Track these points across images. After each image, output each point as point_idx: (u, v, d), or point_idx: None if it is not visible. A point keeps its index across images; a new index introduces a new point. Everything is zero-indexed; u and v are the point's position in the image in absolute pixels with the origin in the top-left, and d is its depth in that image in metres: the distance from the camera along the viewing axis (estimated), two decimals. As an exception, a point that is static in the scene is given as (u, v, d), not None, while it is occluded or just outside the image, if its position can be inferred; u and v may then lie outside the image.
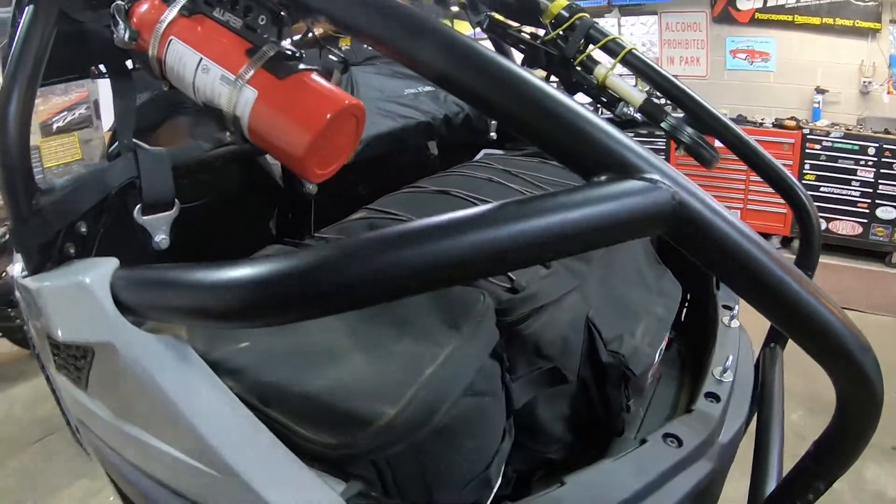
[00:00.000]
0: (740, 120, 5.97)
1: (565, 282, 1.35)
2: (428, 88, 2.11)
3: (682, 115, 1.95)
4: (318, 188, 1.46)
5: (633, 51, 2.00)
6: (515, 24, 2.26)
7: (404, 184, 1.80)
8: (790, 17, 5.82)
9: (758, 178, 5.21)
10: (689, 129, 1.90)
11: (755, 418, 1.49)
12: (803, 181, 5.52)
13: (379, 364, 0.99)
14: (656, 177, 0.64)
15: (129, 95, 1.29)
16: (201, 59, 1.01)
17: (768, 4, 5.90)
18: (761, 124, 5.88)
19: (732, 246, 0.65)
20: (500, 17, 2.28)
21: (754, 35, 6.07)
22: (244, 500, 0.87)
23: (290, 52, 1.01)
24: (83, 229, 1.18)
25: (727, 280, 0.74)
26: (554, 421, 1.30)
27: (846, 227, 5.55)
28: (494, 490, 1.06)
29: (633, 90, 2.04)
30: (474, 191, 1.62)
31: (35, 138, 8.85)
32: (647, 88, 2.10)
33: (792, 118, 5.74)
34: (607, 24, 6.67)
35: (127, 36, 1.07)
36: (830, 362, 0.76)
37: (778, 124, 5.78)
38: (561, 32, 2.13)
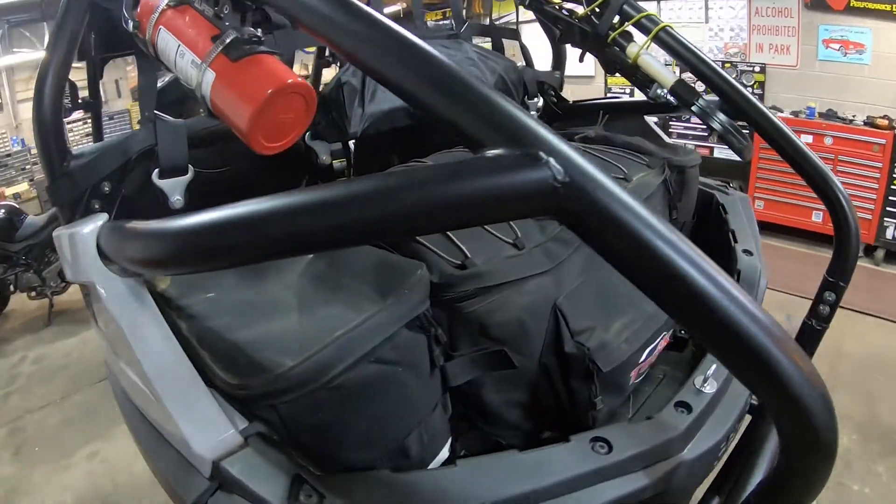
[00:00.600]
0: (830, 115, 5.80)
1: (534, 265, 1.34)
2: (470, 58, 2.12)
3: (717, 99, 1.94)
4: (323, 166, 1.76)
5: (668, 28, 1.97)
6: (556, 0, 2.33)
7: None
8: (888, 7, 5.51)
9: (843, 180, 5.00)
10: (722, 116, 1.88)
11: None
12: (892, 186, 5.37)
13: (304, 322, 1.10)
14: (542, 153, 0.61)
15: (150, 72, 1.47)
16: (179, 45, 1.17)
17: (866, -8, 5.63)
18: (852, 121, 5.68)
19: (630, 235, 0.61)
20: None
21: (849, 24, 5.80)
22: (165, 420, 1.07)
23: (248, 37, 1.11)
24: (106, 189, 1.49)
25: (627, 275, 0.66)
26: (507, 406, 1.34)
27: (935, 239, 5.34)
28: (416, 460, 1.15)
29: (664, 70, 2.01)
30: None
31: (126, 102, 9.17)
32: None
33: (885, 117, 5.52)
34: (692, 5, 6.51)
35: (131, 25, 1.26)
36: (758, 386, 0.64)
37: (869, 122, 5.56)
38: (597, 9, 2.13)
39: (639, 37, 2.07)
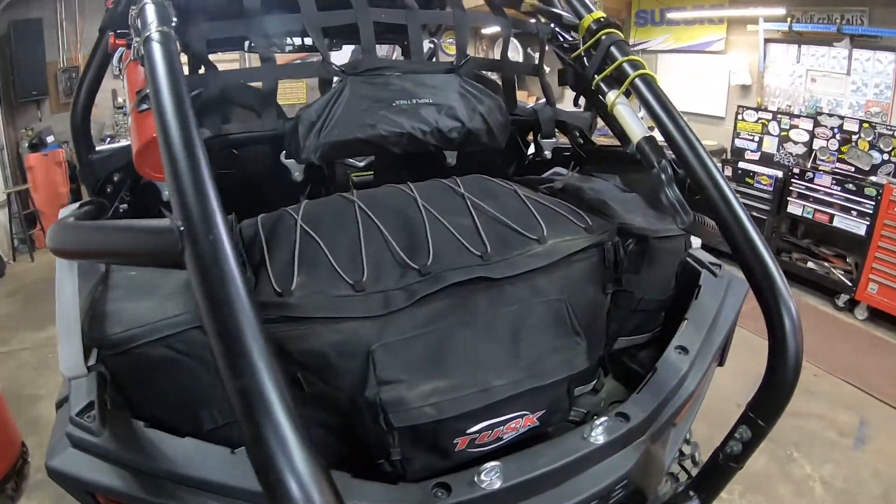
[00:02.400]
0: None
1: (356, 309, 1.43)
2: (426, 100, 2.10)
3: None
4: (308, 180, 2.08)
5: (646, 76, 1.86)
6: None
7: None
8: None
9: None
10: (674, 190, 1.71)
11: None
12: None
13: (148, 306, 1.39)
14: (177, 224, 1.06)
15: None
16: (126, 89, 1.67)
17: None
18: None
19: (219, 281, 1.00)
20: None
21: None
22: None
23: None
24: (116, 178, 2.38)
25: None
26: (315, 423, 1.47)
27: None
28: (215, 436, 1.37)
29: (636, 124, 1.88)
30: (380, 203, 1.76)
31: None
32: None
33: None
34: (835, 54, 5.94)
35: (118, 69, 1.85)
36: None
37: None
38: (592, 51, 2.08)
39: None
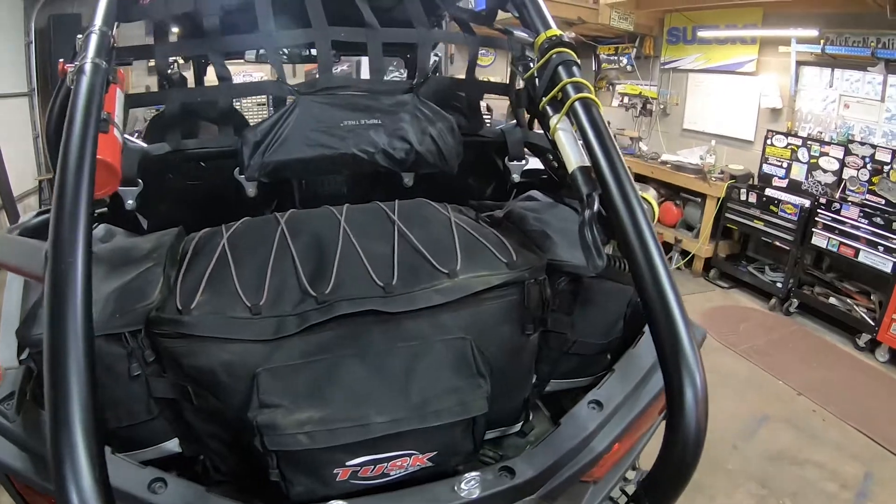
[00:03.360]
0: None
1: (247, 331, 1.46)
2: (374, 121, 2.08)
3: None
4: (260, 196, 2.05)
5: (588, 99, 1.74)
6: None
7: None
8: None
9: None
10: (593, 231, 1.58)
11: None
12: None
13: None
14: None
15: (125, 107, 1.86)
16: None
17: None
18: None
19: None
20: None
21: None
22: None
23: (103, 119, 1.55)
24: None
25: None
26: (208, 435, 1.58)
27: None
28: (120, 436, 1.51)
29: (574, 151, 1.75)
30: (303, 226, 1.77)
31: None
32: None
33: None
34: (870, 79, 5.68)
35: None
36: None
37: None
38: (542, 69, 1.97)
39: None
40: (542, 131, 2.33)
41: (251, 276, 1.57)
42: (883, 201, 5.58)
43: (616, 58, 8.69)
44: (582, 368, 1.95)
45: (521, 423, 1.92)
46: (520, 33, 2.31)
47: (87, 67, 1.50)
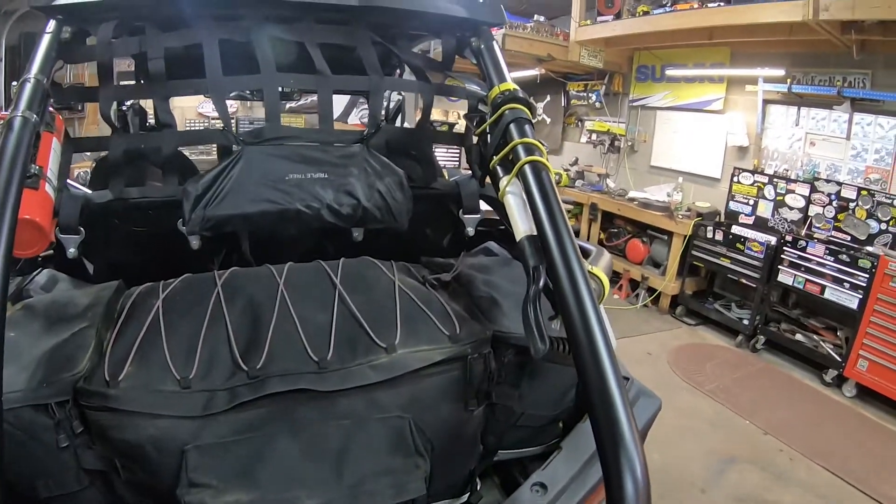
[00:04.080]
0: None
1: (175, 407, 1.39)
2: (320, 175, 2.01)
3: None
4: (207, 247, 1.97)
5: (538, 163, 1.65)
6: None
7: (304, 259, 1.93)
8: None
9: None
10: (536, 309, 1.46)
11: None
12: None
13: (9, 374, 1.32)
14: None
15: (64, 154, 1.83)
16: None
17: None
18: None
19: None
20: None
21: None
22: None
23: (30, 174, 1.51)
24: None
25: None
26: None
27: None
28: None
29: (522, 219, 1.64)
30: (240, 289, 1.69)
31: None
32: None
33: None
34: (835, 117, 5.77)
35: None
36: None
37: None
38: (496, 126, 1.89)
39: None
40: (474, 165, 2.32)
41: (182, 345, 1.50)
42: (849, 237, 5.64)
43: (585, 94, 8.81)
44: (531, 438, 1.86)
45: (467, 495, 1.81)
46: (472, 86, 2.26)
47: (16, 122, 1.49)
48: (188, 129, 6.15)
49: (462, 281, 1.89)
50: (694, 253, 6.79)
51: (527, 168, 1.63)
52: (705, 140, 7.27)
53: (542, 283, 1.45)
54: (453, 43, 2.30)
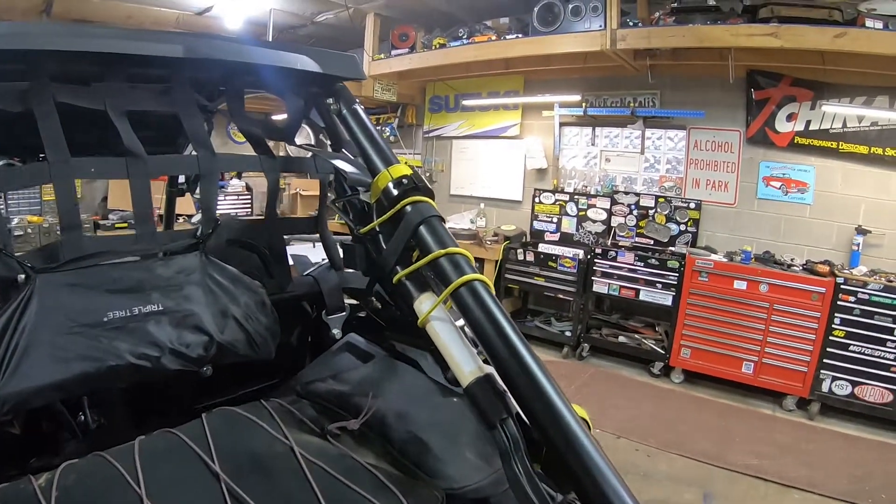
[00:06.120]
0: (766, 258, 5.62)
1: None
2: (153, 308, 1.51)
3: None
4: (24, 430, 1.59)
5: (478, 283, 1.41)
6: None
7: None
8: (834, 144, 5.58)
9: (779, 330, 4.67)
10: (526, 471, 1.32)
11: None
12: (831, 337, 5.11)
13: None
14: None
15: None
16: None
17: (810, 128, 5.66)
18: (790, 266, 5.50)
19: None
20: None
21: (792, 161, 5.84)
22: None
23: None
24: None
25: None
26: None
27: (875, 394, 5.04)
28: None
29: (464, 356, 1.40)
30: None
31: None
32: None
33: (825, 262, 5.38)
34: (627, 134, 6.46)
35: None
36: None
37: (808, 268, 5.40)
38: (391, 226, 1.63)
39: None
40: (357, 269, 1.94)
41: None
42: (652, 241, 6.34)
43: (380, 128, 8.87)
44: None
45: None
46: (342, 163, 1.85)
47: None
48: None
49: (373, 426, 1.42)
50: (507, 276, 7.05)
51: (464, 291, 1.38)
52: (504, 165, 7.72)
53: (517, 440, 1.29)
54: (300, 105, 1.94)
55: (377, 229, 1.63)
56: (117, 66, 1.58)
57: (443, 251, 1.44)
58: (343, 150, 1.95)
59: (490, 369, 1.37)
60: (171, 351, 1.48)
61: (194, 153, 1.77)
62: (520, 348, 1.30)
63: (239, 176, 9.65)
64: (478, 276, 1.39)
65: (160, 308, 1.51)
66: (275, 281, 1.96)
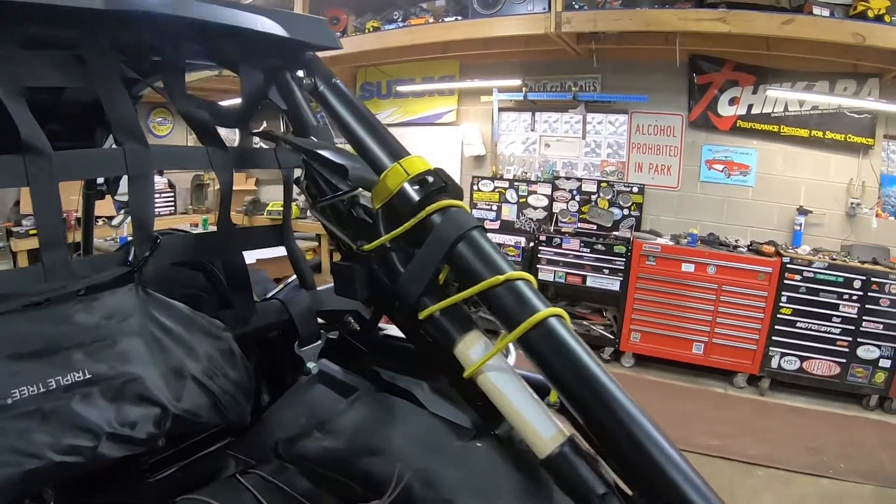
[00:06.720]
0: (711, 240, 5.74)
1: None
2: (77, 376, 1.07)
3: None
4: None
5: (556, 318, 1.06)
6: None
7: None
8: (775, 128, 5.77)
9: (727, 310, 4.76)
10: None
11: None
12: (778, 315, 5.27)
13: None
14: None
15: None
16: None
17: (752, 112, 5.82)
18: (736, 247, 5.63)
19: None
20: None
21: (734, 144, 6.00)
22: None
23: None
24: None
25: None
26: None
27: (822, 367, 5.27)
28: None
29: (540, 419, 1.06)
30: None
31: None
32: None
33: (770, 242, 5.55)
34: (568, 118, 6.44)
35: None
36: None
37: (754, 249, 5.55)
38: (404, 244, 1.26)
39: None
40: (354, 298, 1.45)
41: None
42: (595, 227, 6.36)
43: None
44: None
45: None
46: (327, 153, 1.28)
47: None
48: None
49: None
50: (446, 266, 6.97)
51: (533, 333, 1.04)
52: (440, 153, 7.54)
53: None
54: (259, 80, 1.50)
55: (388, 245, 1.24)
56: (7, 25, 1.09)
57: (500, 277, 1.08)
58: (311, 138, 1.56)
59: (568, 428, 1.07)
60: (109, 436, 1.06)
61: (115, 146, 1.28)
62: (629, 410, 1.00)
63: (160, 172, 9.12)
64: (553, 310, 1.05)
65: (87, 376, 1.08)
66: (234, 311, 1.54)
